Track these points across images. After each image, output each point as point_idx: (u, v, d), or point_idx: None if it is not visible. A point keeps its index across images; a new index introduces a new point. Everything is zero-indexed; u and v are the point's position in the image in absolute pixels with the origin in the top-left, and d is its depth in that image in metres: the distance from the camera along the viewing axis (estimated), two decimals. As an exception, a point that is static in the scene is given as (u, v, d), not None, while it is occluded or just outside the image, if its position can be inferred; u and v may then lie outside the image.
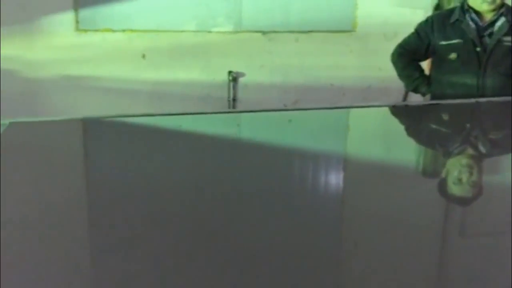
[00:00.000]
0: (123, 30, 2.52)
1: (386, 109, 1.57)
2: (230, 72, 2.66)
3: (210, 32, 2.61)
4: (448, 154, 1.13)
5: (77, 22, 2.46)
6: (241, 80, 2.70)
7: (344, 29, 2.73)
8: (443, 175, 1.02)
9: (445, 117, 1.53)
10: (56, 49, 2.48)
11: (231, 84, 2.66)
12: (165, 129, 1.27)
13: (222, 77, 2.66)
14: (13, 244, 0.62)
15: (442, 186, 0.92)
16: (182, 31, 2.57)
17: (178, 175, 0.92)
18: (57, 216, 0.72)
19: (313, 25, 2.68)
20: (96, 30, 2.49)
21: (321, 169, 1.02)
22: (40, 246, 0.62)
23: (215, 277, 0.56)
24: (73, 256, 0.60)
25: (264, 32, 2.67)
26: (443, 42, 1.67)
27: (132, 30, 2.52)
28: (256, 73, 2.69)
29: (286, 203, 0.79)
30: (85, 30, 2.48)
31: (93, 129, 1.27)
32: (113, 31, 2.51)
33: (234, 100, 2.68)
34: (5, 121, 1.12)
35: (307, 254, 0.61)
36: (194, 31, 2.58)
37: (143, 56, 2.57)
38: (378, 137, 1.28)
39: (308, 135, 1.25)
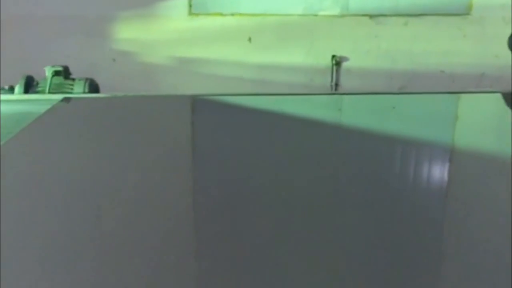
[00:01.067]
0: (232, 14, 2.59)
1: (501, 96, 1.47)
2: (333, 56, 2.64)
3: (316, 15, 2.60)
4: None
5: (190, 6, 2.59)
6: (345, 64, 2.66)
7: (458, 12, 2.57)
8: None
9: None
10: (169, 32, 2.63)
11: (334, 68, 2.64)
12: (267, 109, 1.28)
13: (326, 61, 2.65)
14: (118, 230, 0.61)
15: None
16: (288, 15, 2.59)
17: (277, 157, 0.92)
18: (162, 190, 0.73)
19: (425, 8, 2.56)
20: (207, 14, 2.60)
21: (425, 159, 0.98)
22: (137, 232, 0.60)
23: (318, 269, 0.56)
24: (177, 243, 0.60)
25: (371, 16, 2.60)
26: None
27: (240, 14, 2.59)
28: (361, 58, 2.64)
29: (385, 193, 0.77)
30: (197, 14, 2.60)
31: (200, 106, 1.31)
32: (223, 15, 2.60)
33: (336, 85, 2.66)
34: (120, 94, 1.20)
35: (407, 249, 0.60)
36: (300, 15, 2.59)
37: (249, 39, 2.63)
38: (490, 126, 1.20)
39: (413, 122, 1.20)
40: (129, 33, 2.66)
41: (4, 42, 2.56)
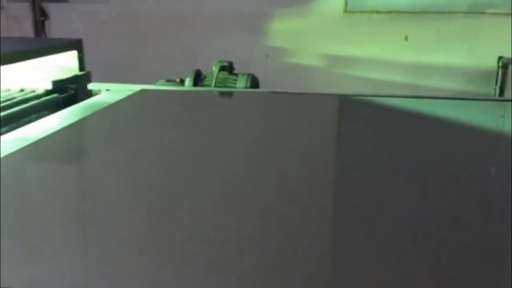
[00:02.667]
0: (389, 12, 2.51)
1: None
2: (500, 58, 2.41)
3: (482, 13, 2.40)
4: None
5: (346, 4, 2.57)
6: (513, 67, 2.43)
7: None
8: None
9: None
10: (323, 29, 2.64)
11: (500, 71, 2.42)
12: (419, 112, 1.22)
13: (490, 63, 2.44)
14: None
15: None
16: (451, 13, 2.43)
17: (427, 162, 0.87)
18: (302, 187, 0.73)
19: None
20: (363, 12, 2.55)
21: None
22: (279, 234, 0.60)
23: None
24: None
25: (549, 13, 2.33)
26: None
27: (398, 12, 2.50)
28: (534, 61, 2.38)
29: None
30: (352, 12, 2.57)
31: (348, 106, 1.29)
32: (379, 12, 2.53)
33: (501, 89, 2.43)
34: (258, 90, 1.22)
35: None
36: (464, 13, 2.41)
37: (406, 38, 2.53)
38: None
39: None
40: (283, 30, 2.73)
41: (172, 37, 2.80)
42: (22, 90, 1.15)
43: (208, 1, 2.76)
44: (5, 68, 1.06)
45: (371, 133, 1.03)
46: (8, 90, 1.13)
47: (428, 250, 0.56)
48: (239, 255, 0.55)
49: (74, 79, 1.20)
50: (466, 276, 0.52)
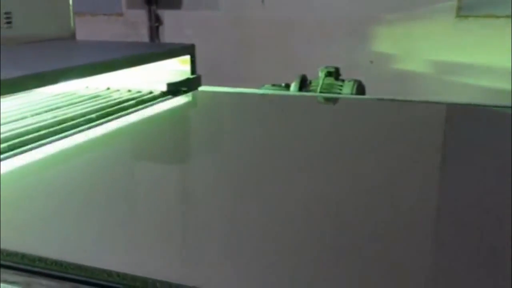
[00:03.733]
0: (507, 16, 2.35)
1: None
2: None
3: None
4: None
5: (459, 8, 2.45)
6: None
7: None
8: None
9: None
10: (432, 35, 2.54)
11: None
12: None
13: None
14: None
15: None
16: None
17: None
18: (404, 197, 0.71)
19: None
20: (477, 16, 2.42)
21: None
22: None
23: None
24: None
25: None
26: None
27: (518, 16, 2.34)
28: None
29: None
30: (466, 16, 2.44)
31: (456, 115, 1.23)
32: (496, 17, 2.38)
33: None
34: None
35: None
36: None
37: (525, 44, 2.35)
38: None
39: None
40: (389, 35, 2.66)
41: (278, 43, 2.86)
42: (129, 91, 1.24)
43: (313, 7, 2.77)
44: (126, 71, 1.15)
45: (478, 144, 0.98)
46: (129, 91, 1.23)
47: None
48: (340, 260, 0.55)
49: (186, 81, 1.27)
50: None
